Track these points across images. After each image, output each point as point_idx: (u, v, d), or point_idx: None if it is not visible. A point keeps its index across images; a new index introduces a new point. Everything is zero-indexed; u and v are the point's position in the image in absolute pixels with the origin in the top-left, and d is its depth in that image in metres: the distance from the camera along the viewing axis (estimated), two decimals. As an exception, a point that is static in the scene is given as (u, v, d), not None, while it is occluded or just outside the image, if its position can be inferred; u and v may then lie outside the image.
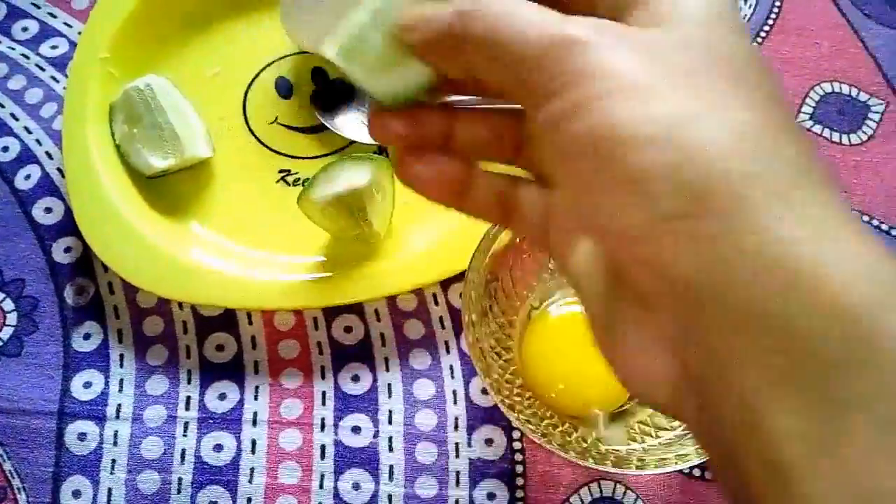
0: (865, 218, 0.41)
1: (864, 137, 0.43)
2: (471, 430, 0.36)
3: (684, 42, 0.17)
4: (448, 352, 0.38)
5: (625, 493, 0.35)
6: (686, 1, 0.18)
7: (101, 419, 0.35)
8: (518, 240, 0.36)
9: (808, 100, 0.44)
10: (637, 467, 0.31)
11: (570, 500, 0.35)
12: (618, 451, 0.33)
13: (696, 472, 0.35)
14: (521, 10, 0.18)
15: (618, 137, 0.16)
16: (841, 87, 0.45)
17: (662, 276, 0.16)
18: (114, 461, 0.35)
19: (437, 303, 0.38)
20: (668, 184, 0.16)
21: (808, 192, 0.16)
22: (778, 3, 0.47)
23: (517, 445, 0.36)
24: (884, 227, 0.41)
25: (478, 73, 0.19)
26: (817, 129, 0.43)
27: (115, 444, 0.35)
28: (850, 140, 0.43)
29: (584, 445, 0.33)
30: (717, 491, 0.35)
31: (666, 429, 0.34)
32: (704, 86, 0.17)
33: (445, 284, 0.38)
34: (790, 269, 0.15)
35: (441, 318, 0.38)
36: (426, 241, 0.38)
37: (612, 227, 0.17)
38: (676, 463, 0.31)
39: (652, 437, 0.34)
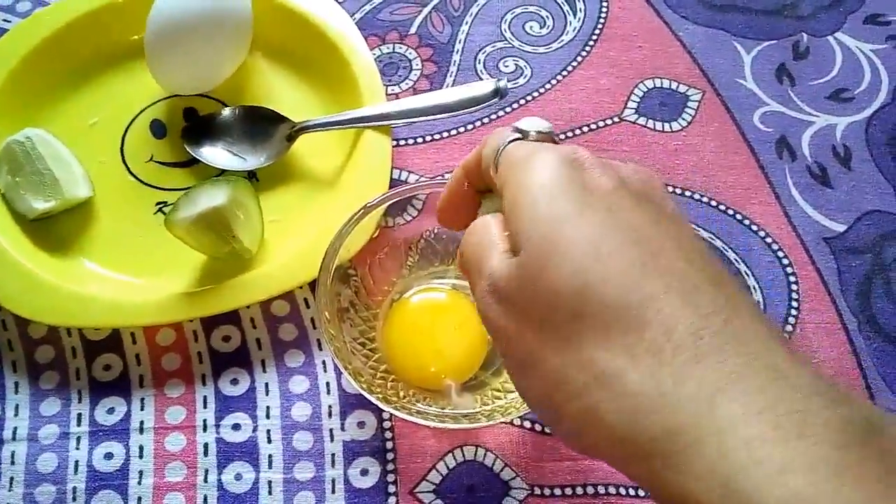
0: (688, 193, 0.46)
1: (685, 123, 0.48)
2: (344, 415, 0.39)
3: None
4: (321, 349, 0.41)
5: (485, 454, 0.38)
6: None
7: (-1, 442, 0.38)
8: (372, 238, 0.40)
9: (633, 96, 0.49)
10: (487, 419, 0.35)
11: (437, 466, 0.38)
12: (470, 412, 0.37)
13: (548, 430, 0.39)
14: None
15: None
16: (662, 82, 0.50)
17: None
18: (12, 479, 0.37)
19: (308, 306, 0.42)
20: None
21: None
22: (604, 15, 0.53)
23: (387, 425, 0.39)
24: (704, 199, 0.46)
25: None
26: (642, 120, 0.48)
27: (12, 463, 0.38)
28: (671, 127, 0.48)
29: (440, 412, 0.37)
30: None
31: (513, 391, 0.38)
32: None
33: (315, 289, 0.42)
34: None
35: (312, 320, 0.42)
36: (295, 251, 0.42)
37: None
38: (518, 410, 0.35)
39: (501, 399, 0.38)
